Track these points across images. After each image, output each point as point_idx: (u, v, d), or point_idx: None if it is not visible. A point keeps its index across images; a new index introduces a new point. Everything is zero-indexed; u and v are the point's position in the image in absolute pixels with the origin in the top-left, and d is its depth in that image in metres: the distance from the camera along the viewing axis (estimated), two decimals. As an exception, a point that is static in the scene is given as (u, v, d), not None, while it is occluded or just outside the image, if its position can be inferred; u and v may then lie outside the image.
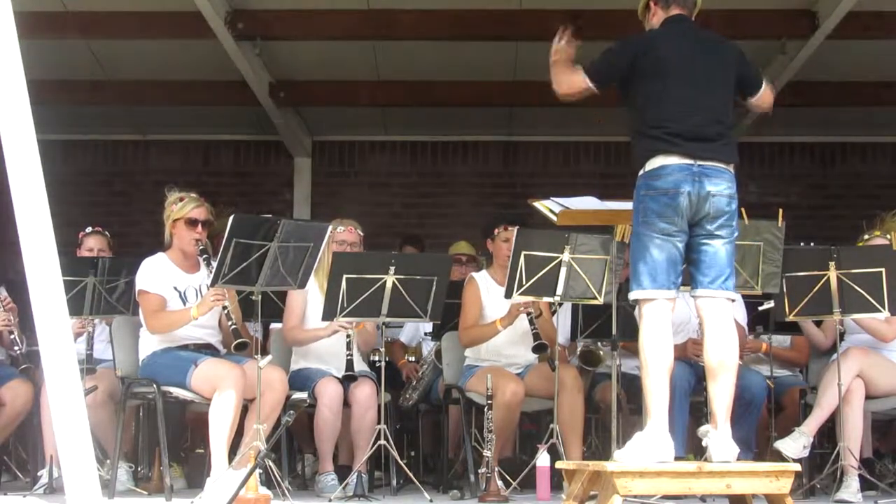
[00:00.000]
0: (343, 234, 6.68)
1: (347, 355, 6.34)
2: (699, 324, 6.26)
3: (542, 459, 5.96)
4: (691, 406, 6.50)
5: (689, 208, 5.03)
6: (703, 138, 5.09)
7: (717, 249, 5.10)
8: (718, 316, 5.10)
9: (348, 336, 6.36)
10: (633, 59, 5.18)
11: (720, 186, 5.08)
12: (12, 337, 6.63)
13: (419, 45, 8.53)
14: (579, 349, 7.06)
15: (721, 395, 5.03)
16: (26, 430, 6.88)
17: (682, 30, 5.27)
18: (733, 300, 5.20)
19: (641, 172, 5.12)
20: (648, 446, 4.91)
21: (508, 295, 6.19)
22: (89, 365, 6.39)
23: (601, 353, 7.03)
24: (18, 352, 6.60)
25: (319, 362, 6.60)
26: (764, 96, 5.42)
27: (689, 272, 5.16)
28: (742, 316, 6.77)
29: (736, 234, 5.20)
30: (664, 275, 5.03)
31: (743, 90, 5.37)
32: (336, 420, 6.37)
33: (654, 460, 4.84)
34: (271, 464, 5.66)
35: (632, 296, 5.12)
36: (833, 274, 6.08)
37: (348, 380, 6.36)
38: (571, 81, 5.28)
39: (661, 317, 5.02)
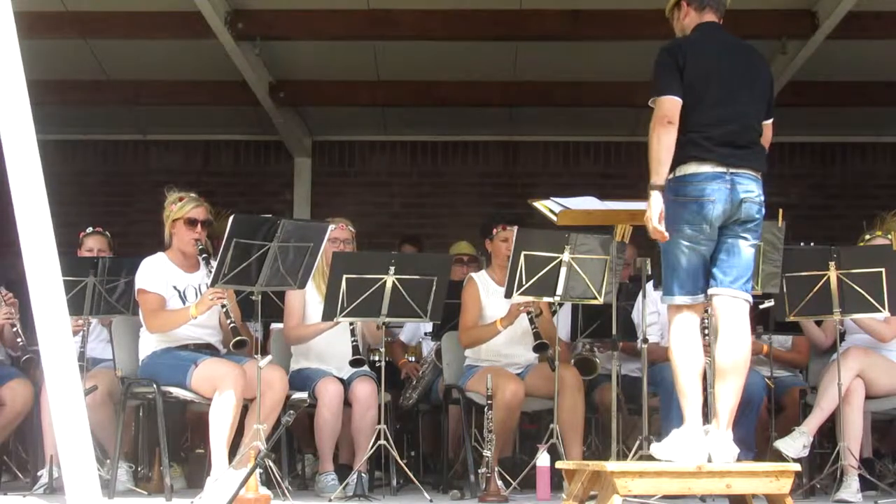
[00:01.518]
0: (335, 232, 6.64)
1: (353, 341, 6.37)
2: (702, 322, 6.27)
3: (542, 459, 5.96)
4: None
5: (722, 216, 5.04)
6: (737, 145, 5.08)
7: (743, 250, 5.11)
8: (736, 316, 5.10)
9: (352, 323, 6.38)
10: (678, 64, 5.11)
11: (752, 193, 5.09)
12: (14, 329, 6.62)
13: (419, 45, 8.52)
14: (572, 361, 7.01)
15: (727, 395, 5.03)
16: (26, 430, 6.88)
17: (718, 37, 5.26)
18: (749, 303, 5.20)
19: (671, 177, 5.06)
20: (687, 446, 4.94)
21: (508, 295, 6.19)
22: (81, 363, 6.37)
23: (596, 361, 7.00)
24: (21, 344, 6.59)
25: (319, 362, 6.60)
26: (766, 129, 5.32)
27: (708, 271, 5.15)
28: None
29: (758, 242, 5.22)
30: (691, 281, 5.07)
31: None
32: (336, 420, 6.37)
33: (692, 461, 4.85)
34: (271, 464, 5.66)
35: (663, 301, 5.21)
36: (833, 274, 6.07)
37: (356, 364, 6.38)
38: (670, 111, 5.03)
39: (690, 322, 5.08)
